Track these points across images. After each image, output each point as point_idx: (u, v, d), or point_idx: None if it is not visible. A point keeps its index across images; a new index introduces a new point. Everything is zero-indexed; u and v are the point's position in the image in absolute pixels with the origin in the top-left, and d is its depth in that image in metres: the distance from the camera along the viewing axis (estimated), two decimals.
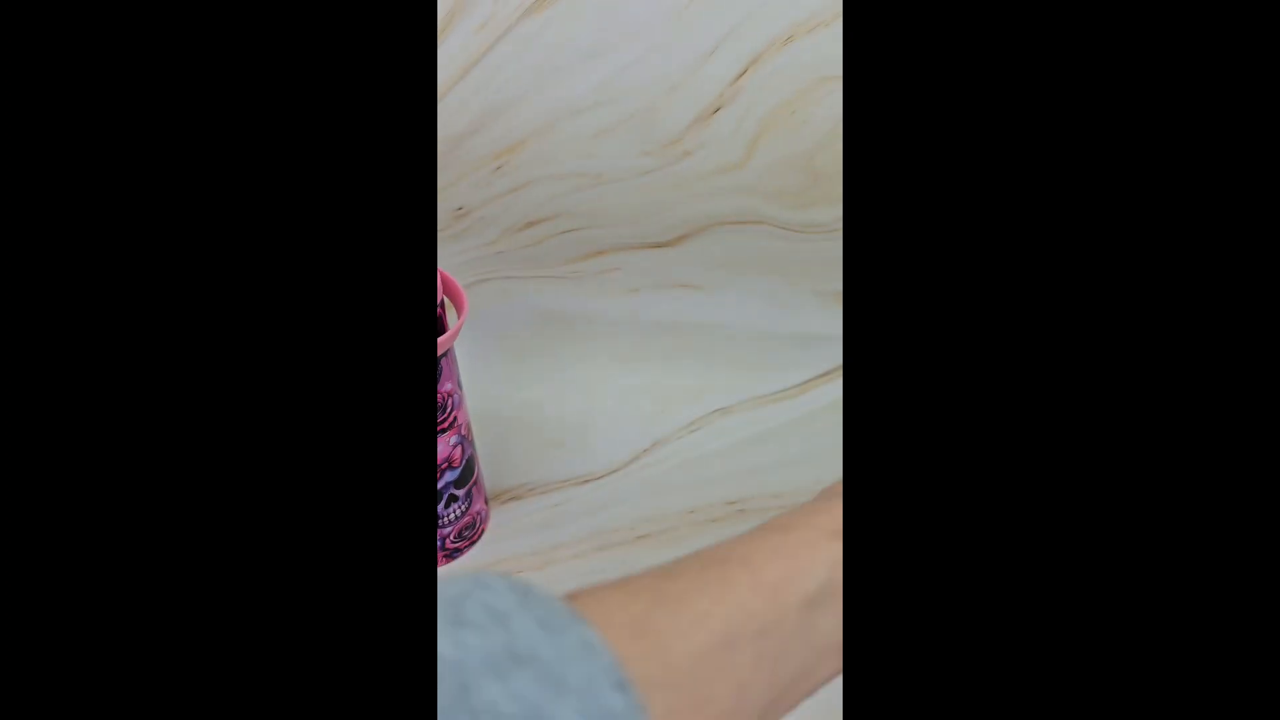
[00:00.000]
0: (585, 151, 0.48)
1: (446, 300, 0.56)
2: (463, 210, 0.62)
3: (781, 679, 0.31)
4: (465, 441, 0.60)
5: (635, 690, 0.26)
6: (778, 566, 0.32)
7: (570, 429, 0.69)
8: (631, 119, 0.57)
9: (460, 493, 0.61)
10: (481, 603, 0.27)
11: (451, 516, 0.61)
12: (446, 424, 0.58)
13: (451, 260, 0.64)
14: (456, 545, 0.62)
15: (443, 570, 0.62)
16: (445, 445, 0.58)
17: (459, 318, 0.54)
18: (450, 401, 0.57)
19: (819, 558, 0.32)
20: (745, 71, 0.56)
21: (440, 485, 0.59)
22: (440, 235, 0.64)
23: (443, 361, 0.55)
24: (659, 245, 0.66)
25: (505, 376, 0.59)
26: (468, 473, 0.61)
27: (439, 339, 0.52)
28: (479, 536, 0.64)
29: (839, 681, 0.52)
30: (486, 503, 0.66)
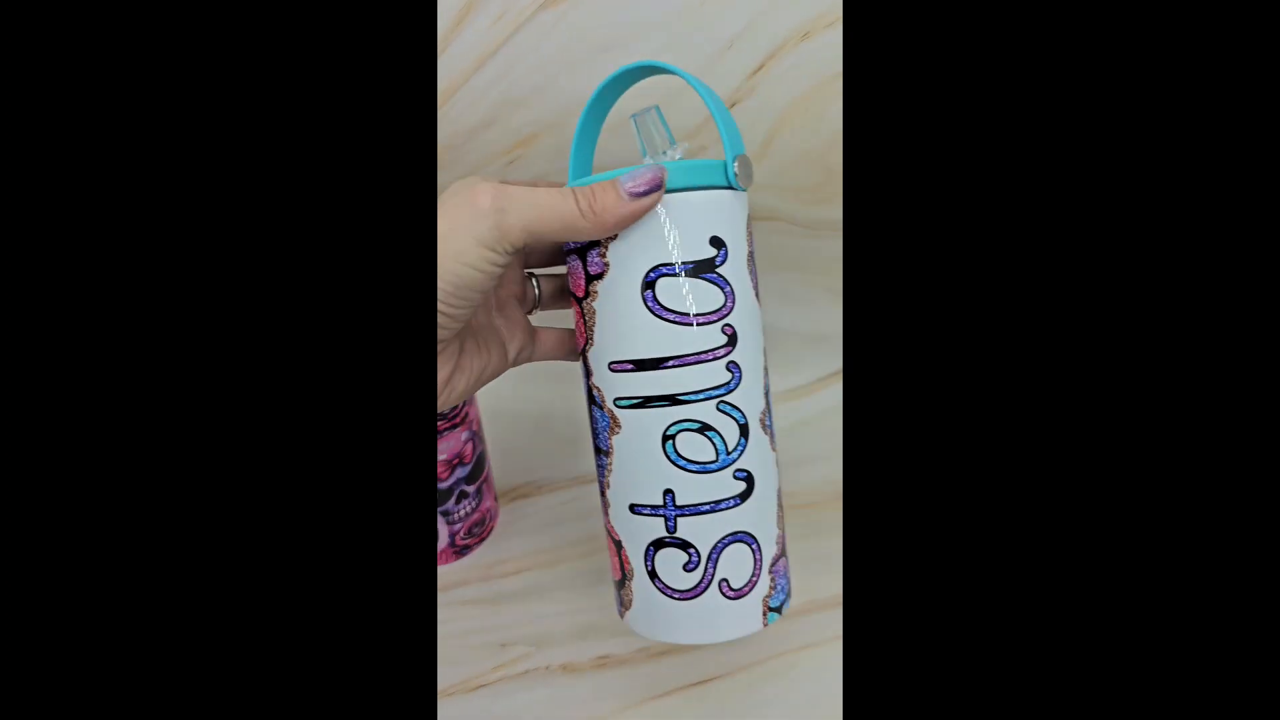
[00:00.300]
0: (599, 145, 0.48)
1: None
2: None
3: None
4: (476, 438, 0.60)
5: None
6: None
7: (581, 426, 0.68)
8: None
9: (470, 489, 0.60)
10: None
11: (461, 513, 0.60)
12: (458, 420, 0.57)
13: None
14: (466, 542, 0.62)
15: (453, 565, 0.62)
16: (456, 441, 0.58)
17: None
18: None
19: None
20: (761, 67, 0.55)
21: (450, 481, 0.58)
22: None
23: None
24: None
25: (516, 373, 0.59)
26: (478, 469, 0.61)
27: None
28: (488, 533, 0.64)
29: (839, 677, 0.52)
30: (496, 499, 0.66)
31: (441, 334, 0.37)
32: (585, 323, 0.41)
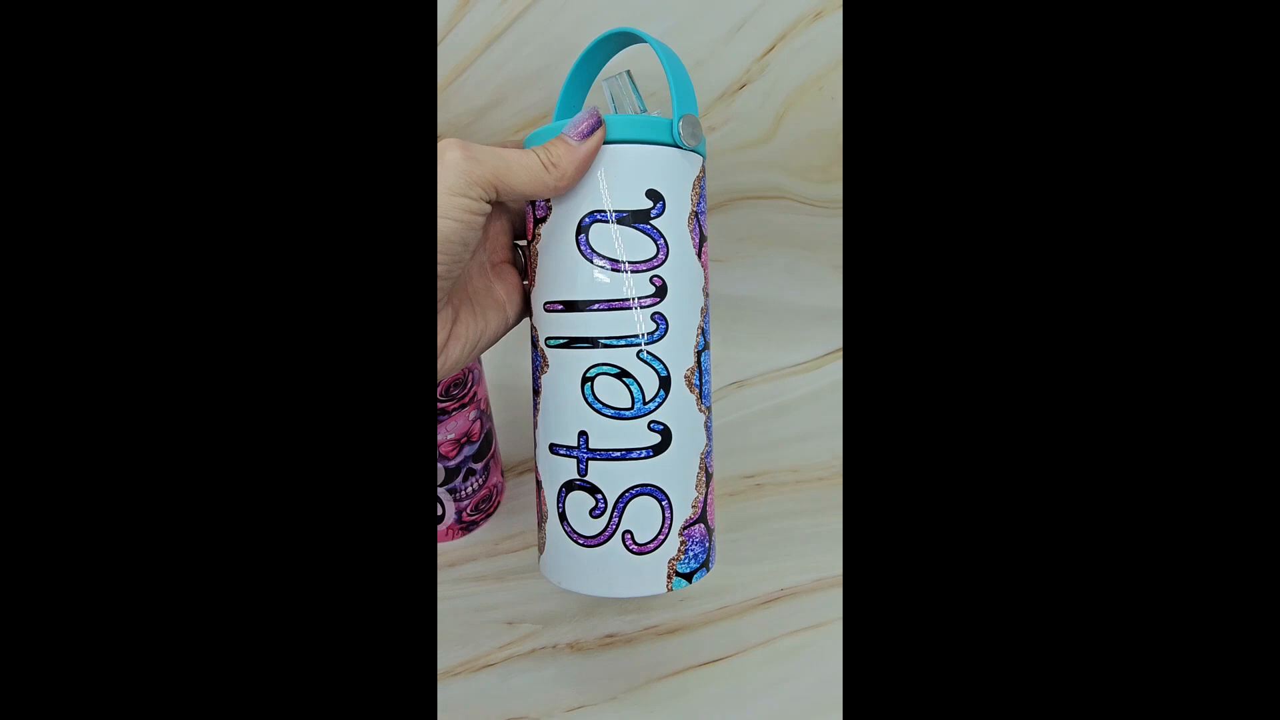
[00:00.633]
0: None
1: None
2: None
3: None
4: (484, 416, 0.60)
5: None
6: None
7: None
8: (655, 95, 0.56)
9: (478, 466, 0.61)
10: None
11: (469, 490, 0.61)
12: (466, 399, 0.57)
13: None
14: (473, 518, 0.62)
15: (459, 542, 0.62)
16: (465, 420, 0.58)
17: None
18: (470, 377, 0.57)
19: None
20: (772, 48, 0.55)
21: (458, 459, 0.59)
22: None
23: None
24: None
25: (522, 347, 0.59)
26: (485, 446, 0.61)
27: None
28: (495, 509, 0.65)
29: (839, 661, 0.53)
30: (503, 475, 0.66)
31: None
32: (530, 264, 0.43)
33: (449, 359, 0.41)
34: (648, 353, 0.40)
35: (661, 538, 0.42)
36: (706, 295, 0.43)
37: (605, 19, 0.53)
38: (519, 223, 0.46)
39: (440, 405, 0.56)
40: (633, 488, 0.41)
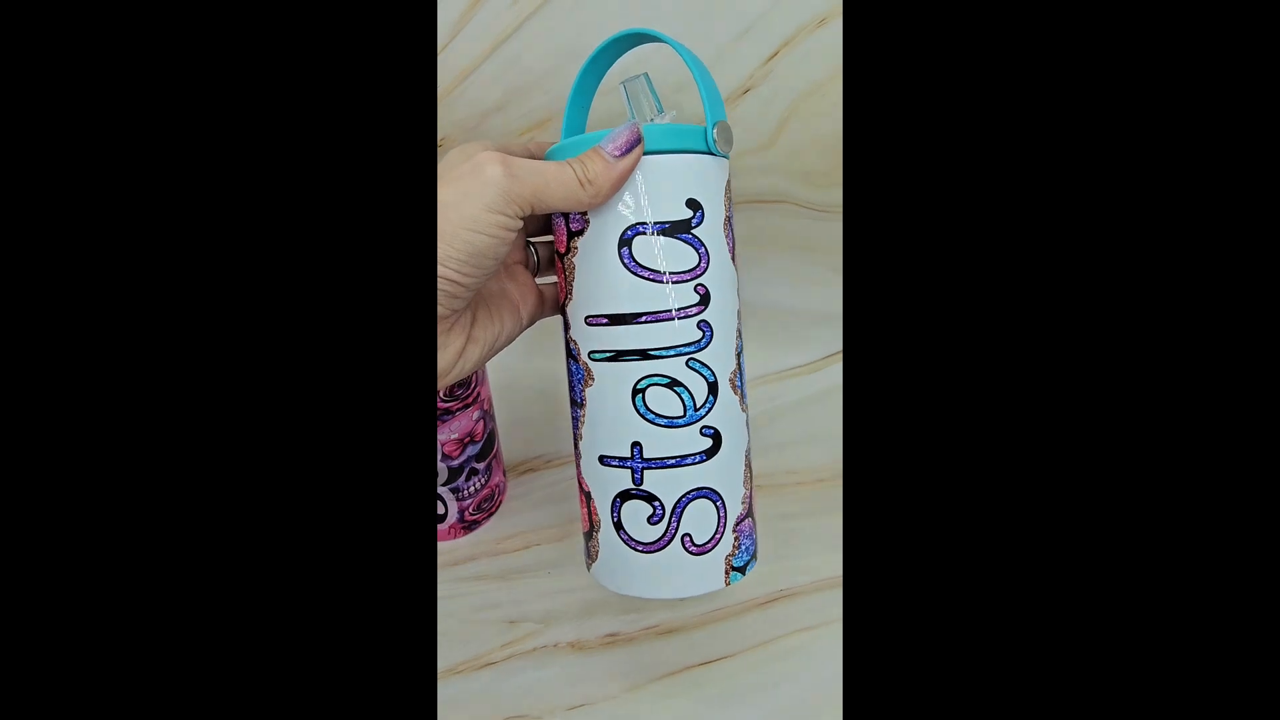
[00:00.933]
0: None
1: None
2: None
3: None
4: (487, 416, 0.61)
5: None
6: None
7: None
8: (660, 99, 0.56)
9: (480, 466, 0.61)
10: None
11: (471, 489, 0.61)
12: (470, 399, 0.58)
13: None
14: (475, 517, 0.63)
15: (461, 541, 0.63)
16: (468, 420, 0.58)
17: None
18: (474, 377, 0.58)
19: None
20: (776, 53, 0.55)
21: (461, 459, 0.59)
22: None
23: None
24: None
25: (525, 348, 0.59)
26: (488, 446, 0.62)
27: None
28: (497, 508, 0.65)
29: (838, 662, 0.53)
30: (505, 474, 0.67)
31: (455, 304, 0.38)
32: (565, 277, 0.43)
33: (467, 362, 0.41)
34: (696, 360, 0.41)
35: (718, 537, 0.43)
36: (739, 297, 0.44)
37: (611, 23, 0.54)
38: (532, 223, 0.46)
39: (444, 405, 0.57)
40: (689, 492, 0.42)
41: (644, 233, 0.40)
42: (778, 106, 0.58)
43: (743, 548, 0.44)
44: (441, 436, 0.57)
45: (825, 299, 0.70)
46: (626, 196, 0.40)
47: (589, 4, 0.53)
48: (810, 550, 0.61)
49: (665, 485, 0.42)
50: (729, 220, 0.43)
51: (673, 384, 0.41)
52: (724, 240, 0.42)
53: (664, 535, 0.42)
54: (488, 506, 0.64)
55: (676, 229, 0.40)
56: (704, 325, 0.41)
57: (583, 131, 0.48)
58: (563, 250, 0.43)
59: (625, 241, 0.40)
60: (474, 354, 0.41)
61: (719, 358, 0.42)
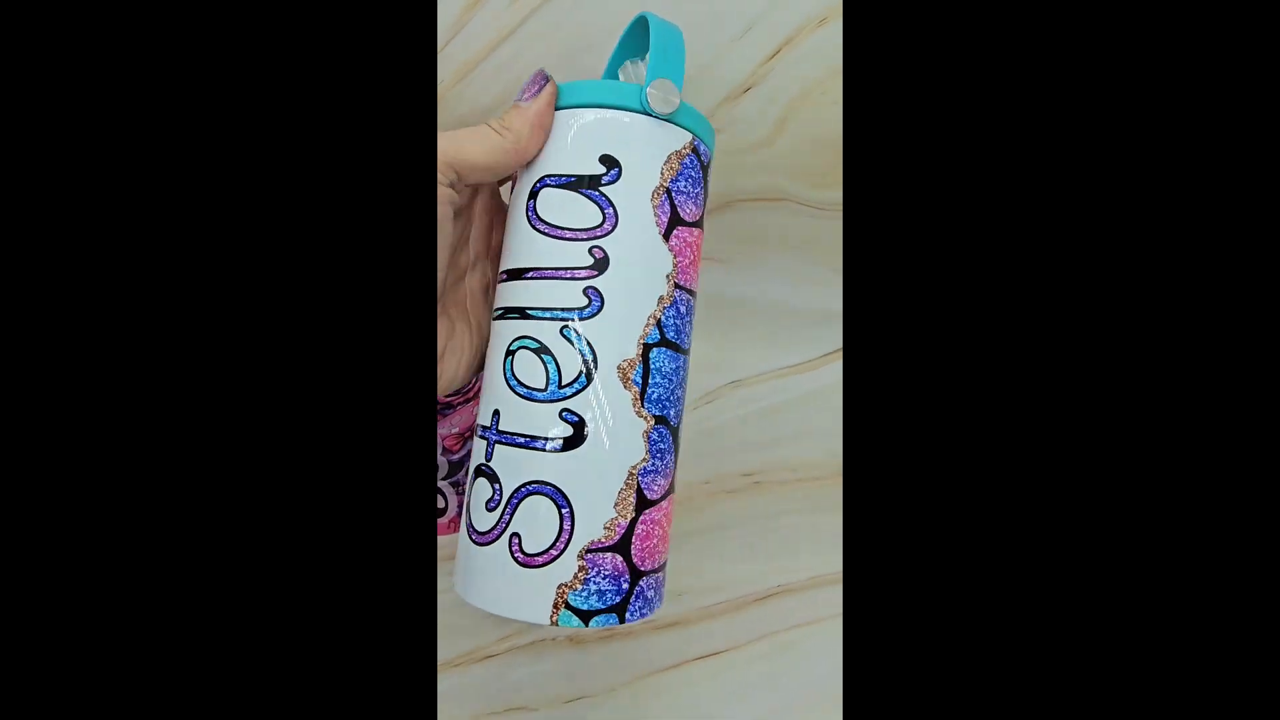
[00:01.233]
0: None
1: None
2: None
3: None
4: None
5: None
6: None
7: None
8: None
9: None
10: None
11: None
12: (472, 393, 0.58)
13: None
14: None
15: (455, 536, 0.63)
16: (468, 414, 0.59)
17: None
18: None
19: None
20: (777, 52, 0.55)
21: (461, 453, 0.59)
22: None
23: None
24: None
25: None
26: None
27: None
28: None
29: (834, 656, 0.54)
30: None
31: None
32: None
33: (444, 375, 0.40)
34: (573, 329, 0.36)
35: (553, 553, 0.35)
36: (681, 289, 0.38)
37: (614, 21, 0.54)
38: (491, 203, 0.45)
39: (446, 399, 0.57)
40: (529, 483, 0.36)
41: (549, 185, 0.38)
42: (778, 105, 0.58)
43: (593, 587, 0.35)
44: (441, 431, 0.57)
45: (824, 298, 0.71)
46: (548, 148, 0.38)
47: (589, 3, 0.53)
48: (807, 547, 0.61)
49: (509, 467, 0.36)
50: (669, 193, 0.38)
51: (540, 350, 0.36)
52: (650, 209, 0.37)
53: (495, 526, 0.36)
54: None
55: (583, 183, 0.37)
56: (592, 292, 0.36)
57: None
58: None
59: (533, 194, 0.38)
60: (451, 365, 0.40)
61: (606, 336, 0.36)
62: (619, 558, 0.36)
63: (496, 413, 0.37)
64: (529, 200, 0.38)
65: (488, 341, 0.41)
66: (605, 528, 0.35)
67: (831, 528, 0.62)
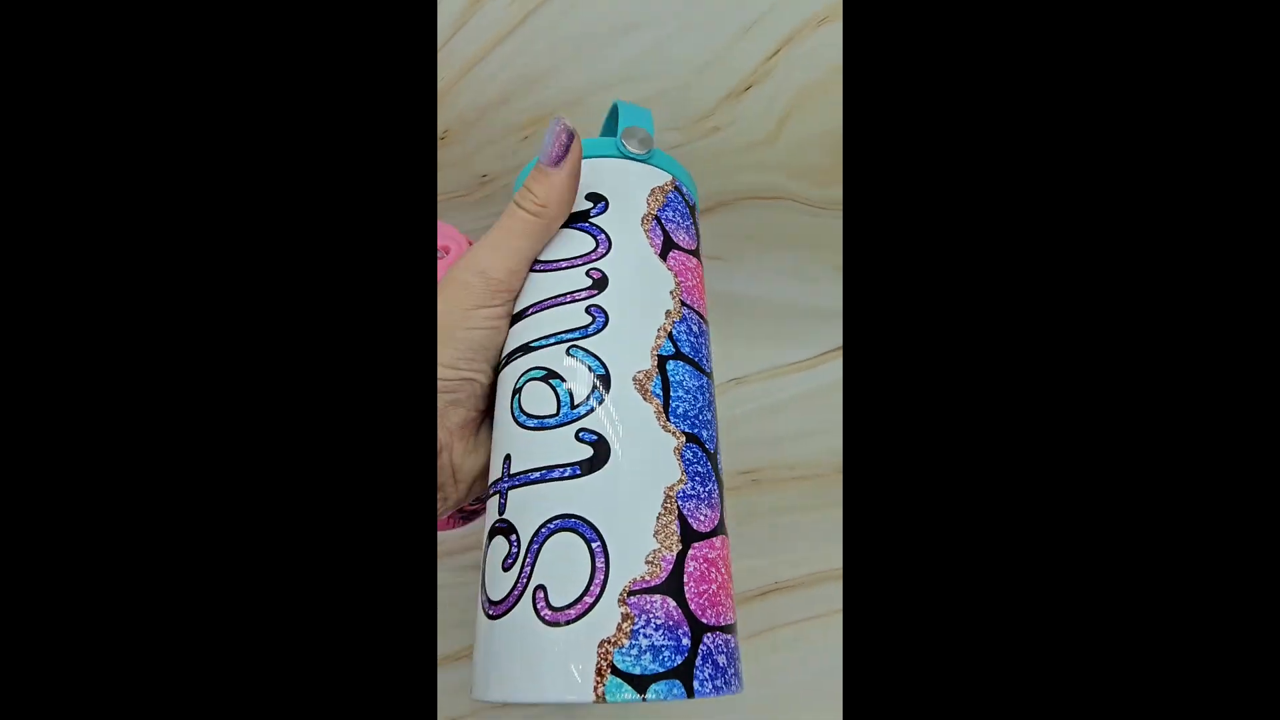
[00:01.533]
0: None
1: None
2: (487, 178, 0.62)
3: None
4: None
5: None
6: None
7: None
8: (662, 95, 0.56)
9: None
10: None
11: None
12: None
13: (473, 225, 0.65)
14: (472, 508, 0.63)
15: (458, 531, 0.63)
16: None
17: None
18: None
19: None
20: (778, 51, 0.55)
21: None
22: (464, 200, 0.64)
23: None
24: None
25: None
26: None
27: None
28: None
29: (832, 653, 0.54)
30: None
31: (478, 402, 0.37)
32: None
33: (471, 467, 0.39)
34: (580, 348, 0.33)
35: (588, 601, 0.28)
36: (689, 308, 0.37)
37: (615, 20, 0.54)
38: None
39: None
40: (551, 521, 0.30)
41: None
42: (779, 104, 0.58)
43: (644, 643, 0.28)
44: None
45: (824, 296, 0.71)
46: None
47: (589, 2, 0.53)
48: (805, 544, 0.61)
49: (524, 510, 0.31)
50: (659, 220, 0.37)
51: (548, 376, 0.33)
52: (640, 232, 0.37)
53: (514, 588, 0.30)
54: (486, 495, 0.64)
55: (573, 219, 0.37)
56: (595, 309, 0.34)
57: None
58: None
59: None
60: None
61: (617, 348, 0.33)
62: (670, 602, 0.29)
63: (507, 458, 0.33)
64: None
65: None
66: (648, 562, 0.29)
67: (829, 525, 0.62)
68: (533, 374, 0.33)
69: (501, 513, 0.32)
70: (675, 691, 0.27)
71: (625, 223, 0.37)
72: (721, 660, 0.29)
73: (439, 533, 0.63)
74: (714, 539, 0.32)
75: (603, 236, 0.36)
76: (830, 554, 0.60)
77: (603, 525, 0.29)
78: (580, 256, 0.36)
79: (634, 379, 0.32)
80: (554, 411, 0.32)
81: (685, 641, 0.28)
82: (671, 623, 0.28)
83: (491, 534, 0.32)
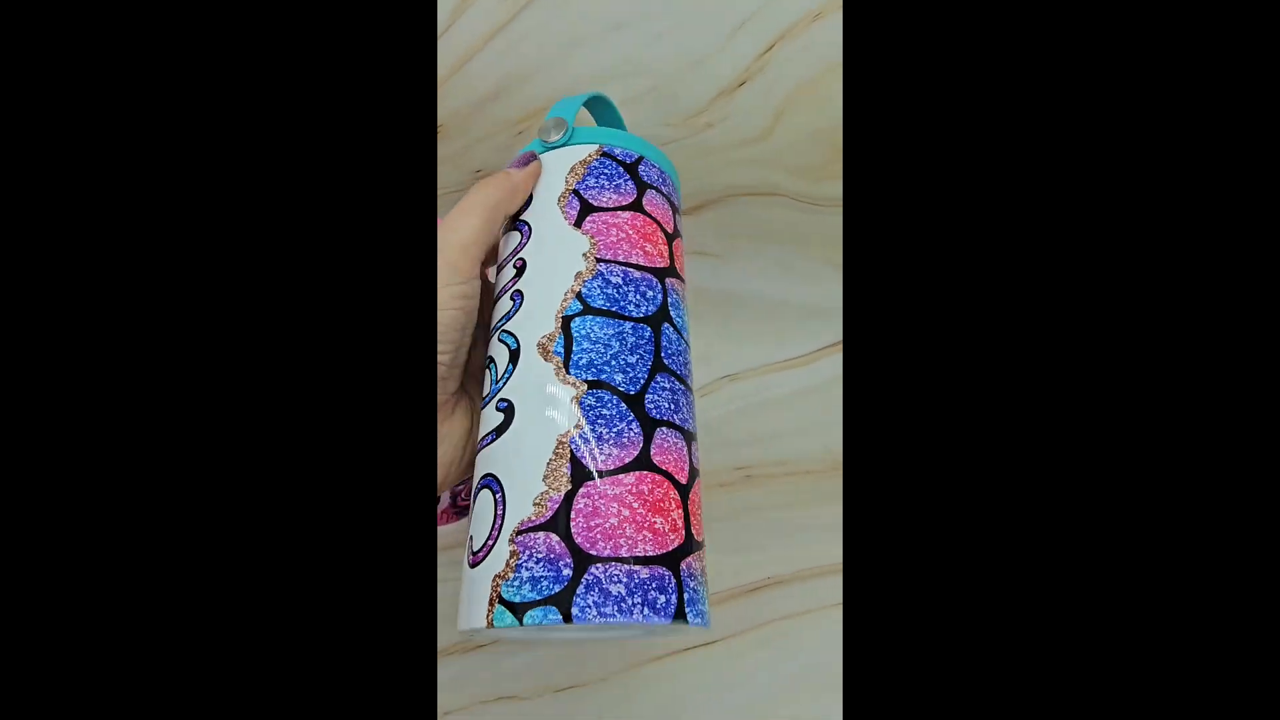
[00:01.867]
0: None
1: None
2: (482, 172, 0.63)
3: None
4: None
5: None
6: None
7: None
8: (655, 90, 0.57)
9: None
10: None
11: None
12: None
13: None
14: (467, 502, 0.63)
15: (455, 525, 0.63)
16: None
17: None
18: None
19: None
20: (772, 47, 0.56)
21: None
22: (459, 195, 0.64)
23: None
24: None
25: None
26: None
27: None
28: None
29: (824, 647, 0.54)
30: None
31: (449, 384, 0.39)
32: None
33: (446, 456, 0.40)
34: (506, 331, 0.37)
35: (490, 544, 0.32)
36: (607, 261, 0.38)
37: (607, 15, 0.54)
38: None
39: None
40: (480, 480, 0.35)
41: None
42: (774, 99, 0.58)
43: (526, 574, 0.31)
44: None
45: (819, 293, 0.71)
46: None
47: None
48: (798, 540, 0.61)
49: (474, 474, 0.36)
50: (575, 193, 0.41)
51: (489, 361, 0.38)
52: (556, 211, 0.40)
53: (466, 538, 0.35)
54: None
55: (510, 223, 0.42)
56: (516, 295, 0.38)
57: None
58: None
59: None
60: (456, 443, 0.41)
61: (527, 323, 0.37)
62: (554, 537, 0.31)
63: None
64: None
65: None
66: (535, 504, 0.32)
67: (822, 520, 0.63)
68: (485, 362, 0.39)
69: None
70: (550, 616, 0.30)
71: (544, 208, 0.41)
72: (617, 589, 0.30)
73: (438, 527, 0.63)
74: (620, 475, 0.33)
75: (526, 228, 0.41)
76: (825, 550, 0.60)
77: (504, 478, 0.33)
78: (510, 252, 0.41)
79: (539, 344, 0.36)
80: (488, 391, 0.37)
81: (566, 572, 0.30)
82: (553, 556, 0.31)
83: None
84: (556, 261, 0.38)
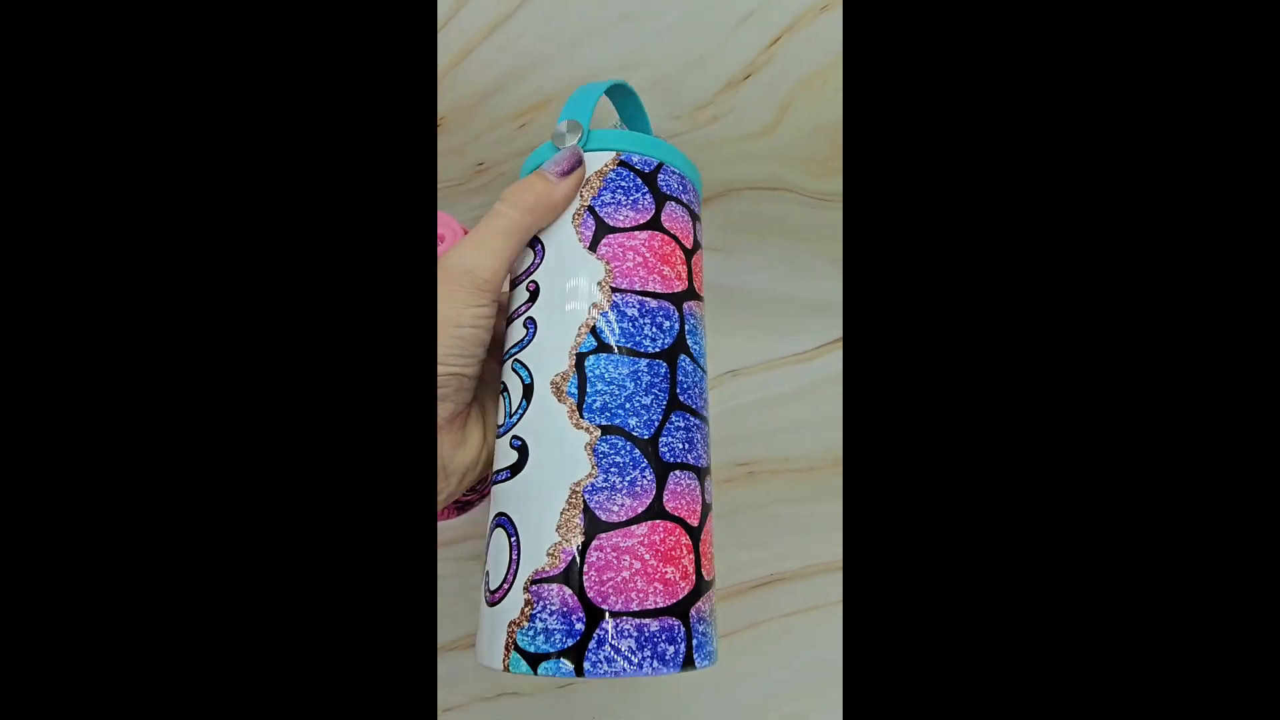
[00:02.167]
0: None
1: None
2: (483, 166, 0.62)
3: None
4: None
5: None
6: None
7: None
8: (660, 83, 0.56)
9: None
10: None
11: None
12: (488, 490, 0.58)
13: (470, 214, 0.64)
14: (467, 498, 0.63)
15: (454, 521, 0.63)
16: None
17: None
18: None
19: None
20: (778, 39, 0.55)
21: None
22: (460, 189, 0.64)
23: None
24: None
25: None
26: None
27: None
28: (489, 490, 0.65)
29: (825, 644, 0.54)
30: None
31: (463, 395, 0.39)
32: None
33: (490, 450, 0.40)
34: (518, 361, 0.37)
35: (505, 587, 0.33)
36: (623, 291, 0.37)
37: (612, 7, 0.53)
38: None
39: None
40: (494, 518, 0.35)
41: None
42: (778, 93, 0.58)
43: (540, 626, 0.32)
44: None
45: (821, 288, 0.71)
46: None
47: None
48: (800, 536, 0.61)
49: (489, 509, 0.37)
50: (590, 210, 0.39)
51: (502, 390, 0.38)
52: (570, 230, 0.38)
53: (483, 572, 0.36)
54: (480, 488, 0.64)
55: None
56: (529, 323, 0.37)
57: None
58: None
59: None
60: (494, 440, 0.40)
61: (541, 356, 0.36)
62: (567, 590, 0.32)
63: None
64: None
65: None
66: (549, 554, 0.33)
67: (825, 517, 0.62)
68: (500, 386, 0.38)
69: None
70: (564, 669, 0.31)
71: (558, 225, 0.39)
72: (627, 644, 0.31)
73: (438, 523, 0.63)
74: (632, 527, 0.33)
75: (539, 247, 0.39)
76: (826, 547, 0.60)
77: (519, 522, 0.34)
78: (524, 271, 0.39)
79: (552, 383, 0.35)
80: (503, 421, 0.37)
81: (579, 626, 0.31)
82: (566, 609, 0.31)
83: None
84: (570, 289, 0.37)
